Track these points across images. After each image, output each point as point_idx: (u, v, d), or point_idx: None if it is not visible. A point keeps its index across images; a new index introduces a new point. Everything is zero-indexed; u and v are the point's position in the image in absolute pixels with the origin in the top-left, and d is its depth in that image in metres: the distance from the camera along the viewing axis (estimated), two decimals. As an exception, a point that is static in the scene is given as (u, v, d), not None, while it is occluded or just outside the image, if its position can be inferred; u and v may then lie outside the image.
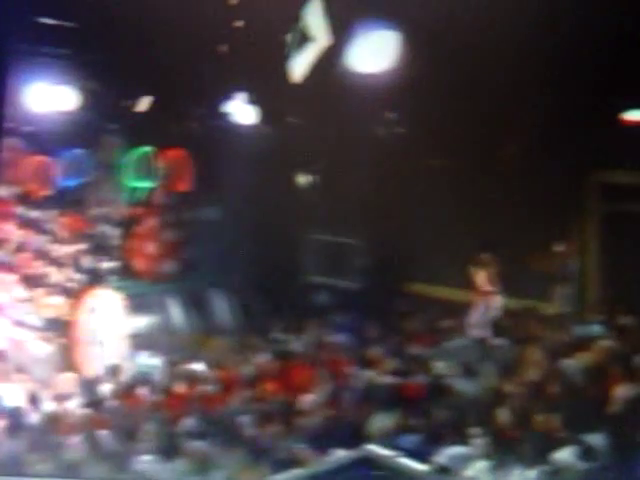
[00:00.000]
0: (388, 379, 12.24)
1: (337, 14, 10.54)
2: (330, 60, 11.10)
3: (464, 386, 11.80)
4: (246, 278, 15.46)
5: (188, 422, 10.83)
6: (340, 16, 10.63)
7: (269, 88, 14.20)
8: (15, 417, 11.19)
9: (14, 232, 15.80)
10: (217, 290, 15.65)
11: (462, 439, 10.06)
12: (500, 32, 11.25)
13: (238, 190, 15.79)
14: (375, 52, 11.30)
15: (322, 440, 10.52)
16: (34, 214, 15.91)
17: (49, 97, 14.67)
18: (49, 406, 11.76)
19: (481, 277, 13.62)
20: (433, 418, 10.85)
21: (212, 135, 15.91)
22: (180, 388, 12.04)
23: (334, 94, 13.52)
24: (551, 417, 10.27)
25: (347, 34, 10.94)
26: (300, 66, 11.11)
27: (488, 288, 13.60)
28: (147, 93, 15.58)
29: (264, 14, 12.11)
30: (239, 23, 13.67)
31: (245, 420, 10.89)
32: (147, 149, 16.36)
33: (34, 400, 11.77)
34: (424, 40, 11.45)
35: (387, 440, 10.50)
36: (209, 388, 11.99)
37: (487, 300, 13.60)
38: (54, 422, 11.17)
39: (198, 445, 10.27)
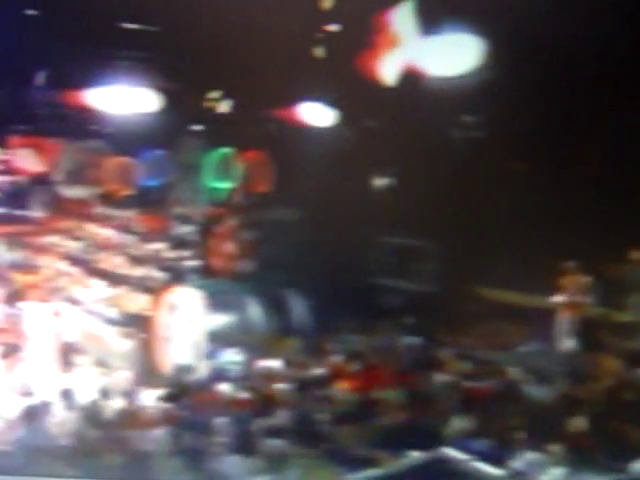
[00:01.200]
0: (461, 382, 12.25)
1: (426, 18, 10.55)
2: (412, 63, 11.13)
3: (537, 392, 11.74)
4: (319, 278, 15.57)
5: (265, 420, 10.97)
6: (429, 20, 10.65)
7: (348, 90, 14.30)
8: (92, 410, 11.46)
9: (96, 231, 16.25)
10: (292, 290, 15.81)
11: (537, 445, 10.01)
12: (585, 35, 11.15)
13: (314, 191, 15.94)
14: (457, 55, 11.29)
15: (397, 441, 10.56)
16: (116, 213, 16.32)
17: (131, 99, 15.04)
18: (126, 400, 12.01)
19: (567, 286, 13.52)
20: (507, 423, 10.80)
21: (290, 137, 16.13)
22: (259, 386, 12.22)
23: (411, 96, 13.56)
24: (629, 426, 10.16)
25: (433, 37, 10.95)
26: (382, 69, 11.17)
27: (574, 298, 13.50)
28: (228, 95, 15.87)
29: (349, 18, 12.20)
30: (322, 27, 13.83)
31: (321, 420, 10.99)
32: (227, 150, 16.64)
33: (111, 393, 12.04)
34: (507, 43, 11.41)
35: (461, 443, 10.49)
36: (286, 387, 12.14)
37: (572, 310, 13.51)
38: (130, 416, 11.39)
39: (274, 443, 10.39)
